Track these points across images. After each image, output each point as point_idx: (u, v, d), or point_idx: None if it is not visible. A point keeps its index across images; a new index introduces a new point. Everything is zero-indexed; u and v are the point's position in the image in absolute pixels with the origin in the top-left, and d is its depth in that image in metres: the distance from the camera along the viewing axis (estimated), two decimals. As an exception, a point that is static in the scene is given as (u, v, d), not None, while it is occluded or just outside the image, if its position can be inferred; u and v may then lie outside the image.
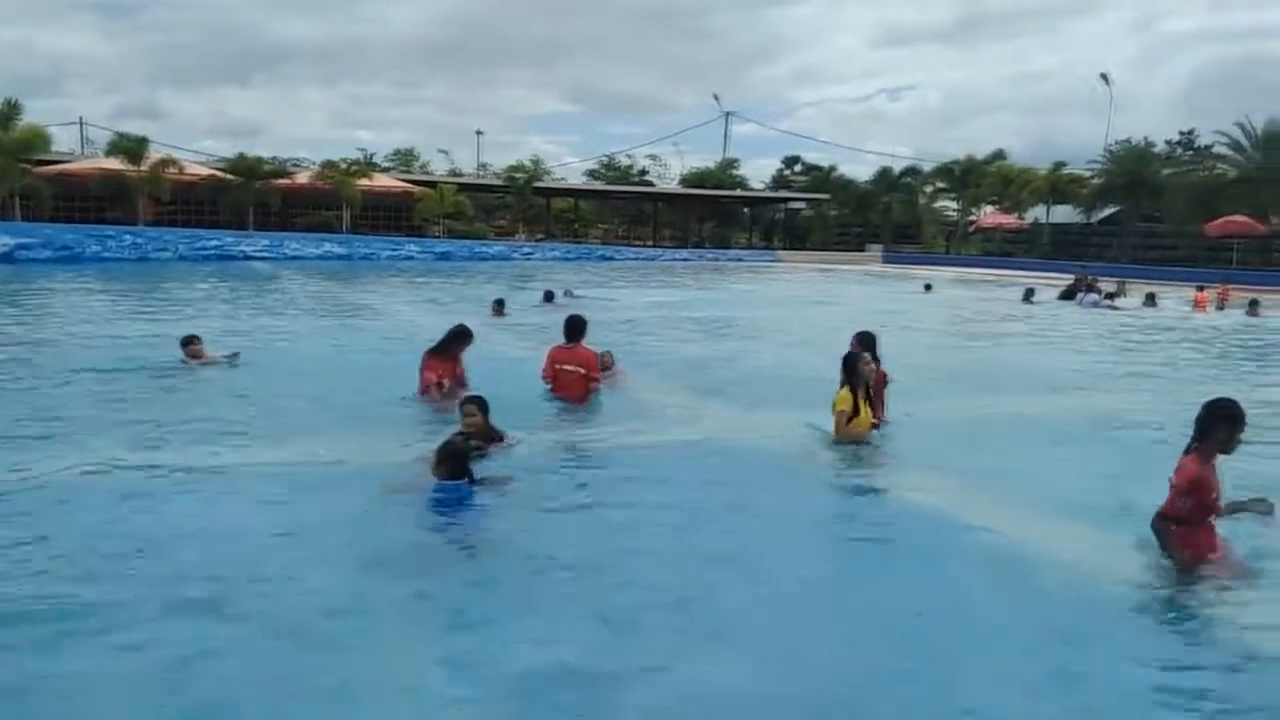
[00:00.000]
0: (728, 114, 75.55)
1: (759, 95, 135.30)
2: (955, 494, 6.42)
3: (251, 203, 43.71)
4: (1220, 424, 4.84)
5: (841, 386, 7.61)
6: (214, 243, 36.34)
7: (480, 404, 7.07)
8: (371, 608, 4.38)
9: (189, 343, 10.53)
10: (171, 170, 41.06)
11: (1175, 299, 26.52)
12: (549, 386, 9.24)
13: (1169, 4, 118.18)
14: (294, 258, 36.69)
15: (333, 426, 7.95)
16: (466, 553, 5.21)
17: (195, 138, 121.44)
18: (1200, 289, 26.04)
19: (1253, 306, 22.99)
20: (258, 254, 36.44)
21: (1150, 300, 24.85)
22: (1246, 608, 4.60)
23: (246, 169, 43.99)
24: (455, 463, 5.75)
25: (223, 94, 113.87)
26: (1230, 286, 27.91)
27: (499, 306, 17.48)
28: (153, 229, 37.59)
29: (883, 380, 8.14)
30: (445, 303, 21.35)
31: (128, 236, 34.39)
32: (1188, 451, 4.93)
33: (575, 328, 9.34)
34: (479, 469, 6.23)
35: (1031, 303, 25.03)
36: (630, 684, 3.78)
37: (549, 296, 20.32)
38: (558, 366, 9.21)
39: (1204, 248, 44.54)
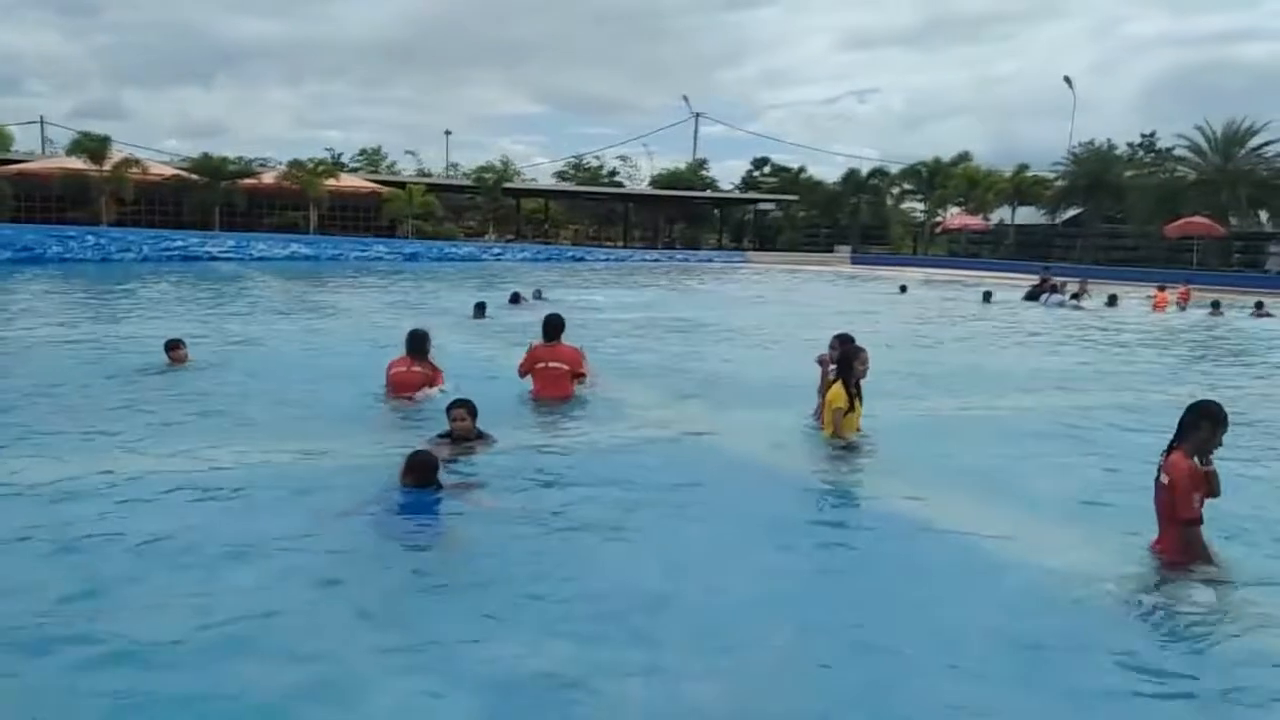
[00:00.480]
0: (697, 115, 75.77)
1: (727, 97, 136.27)
2: (924, 495, 6.46)
3: (217, 203, 43.22)
4: (1203, 423, 4.92)
5: (834, 382, 7.61)
6: (179, 243, 35.89)
7: (469, 407, 7.04)
8: (331, 617, 4.32)
9: (174, 347, 10.40)
10: (135, 170, 40.51)
11: (1137, 299, 26.96)
12: (530, 386, 9.24)
13: (1129, 9, 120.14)
14: (260, 258, 36.34)
15: (303, 429, 7.88)
16: (430, 560, 5.14)
17: (159, 137, 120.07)
18: (1160, 289, 26.53)
19: (1215, 307, 23.42)
20: (223, 255, 36.05)
21: (1111, 301, 25.23)
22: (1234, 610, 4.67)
23: (211, 169, 43.49)
24: (423, 473, 5.72)
25: (186, 93, 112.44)
26: (1190, 287, 28.46)
27: (480, 310, 17.45)
28: (116, 229, 37.06)
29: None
30: (415, 304, 21.27)
31: (90, 237, 33.88)
32: (1169, 451, 4.98)
33: (555, 326, 9.36)
34: (461, 469, 6.23)
35: (991, 304, 25.33)
36: (596, 692, 3.76)
37: (515, 298, 20.15)
38: (540, 365, 9.22)
39: (1165, 249, 45.30)
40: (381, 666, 3.88)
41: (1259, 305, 24.21)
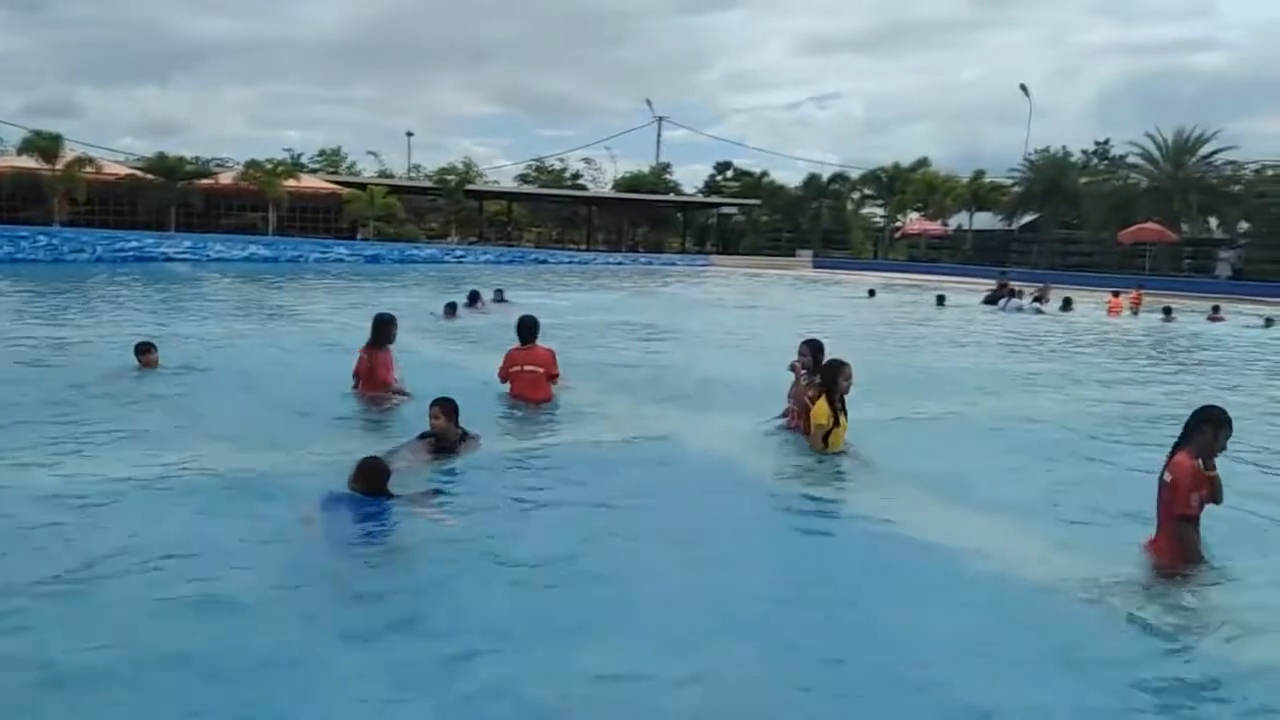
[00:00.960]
0: (660, 119, 76.02)
1: (690, 101, 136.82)
2: (893, 498, 6.53)
3: (173, 203, 42.47)
4: (1205, 426, 5.07)
5: (818, 397, 7.43)
6: (133, 244, 35.19)
7: (447, 407, 6.95)
8: (280, 625, 4.25)
9: (144, 350, 10.18)
10: (88, 169, 39.70)
11: (1093, 304, 27.45)
12: (507, 388, 9.20)
13: (1083, 18, 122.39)
14: (218, 260, 35.78)
15: (273, 432, 7.76)
16: (379, 568, 5.00)
17: (114, 136, 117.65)
18: (1115, 295, 27.08)
19: (1167, 314, 23.94)
20: (179, 256, 35.43)
21: (1067, 305, 25.70)
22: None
23: (167, 168, 42.70)
24: (373, 479, 5.55)
25: (143, 92, 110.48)
26: (1143, 292, 29.10)
27: (450, 310, 17.29)
28: (69, 229, 36.26)
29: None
30: (378, 306, 21.03)
31: (42, 237, 33.11)
32: (1173, 452, 5.12)
33: (530, 328, 9.34)
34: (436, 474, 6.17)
35: (944, 308, 25.61)
36: (552, 702, 3.75)
37: (474, 298, 19.40)
38: (515, 368, 9.18)
39: (1118, 254, 46.28)
40: (331, 676, 3.83)
41: (1215, 309, 24.95)
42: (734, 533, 5.90)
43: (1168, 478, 5.05)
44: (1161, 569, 5.07)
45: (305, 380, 10.27)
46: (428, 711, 3.65)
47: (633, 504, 6.27)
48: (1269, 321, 23.08)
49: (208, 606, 4.37)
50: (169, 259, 34.69)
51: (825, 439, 7.34)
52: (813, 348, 8.17)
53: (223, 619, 4.28)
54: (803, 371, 8.10)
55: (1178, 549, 5.07)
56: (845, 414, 7.46)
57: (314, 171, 57.19)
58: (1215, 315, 24.36)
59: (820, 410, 7.36)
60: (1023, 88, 58.40)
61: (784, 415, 8.27)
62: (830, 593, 4.98)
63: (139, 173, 43.10)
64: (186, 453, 6.89)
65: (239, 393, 9.65)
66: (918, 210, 59.48)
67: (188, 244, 36.85)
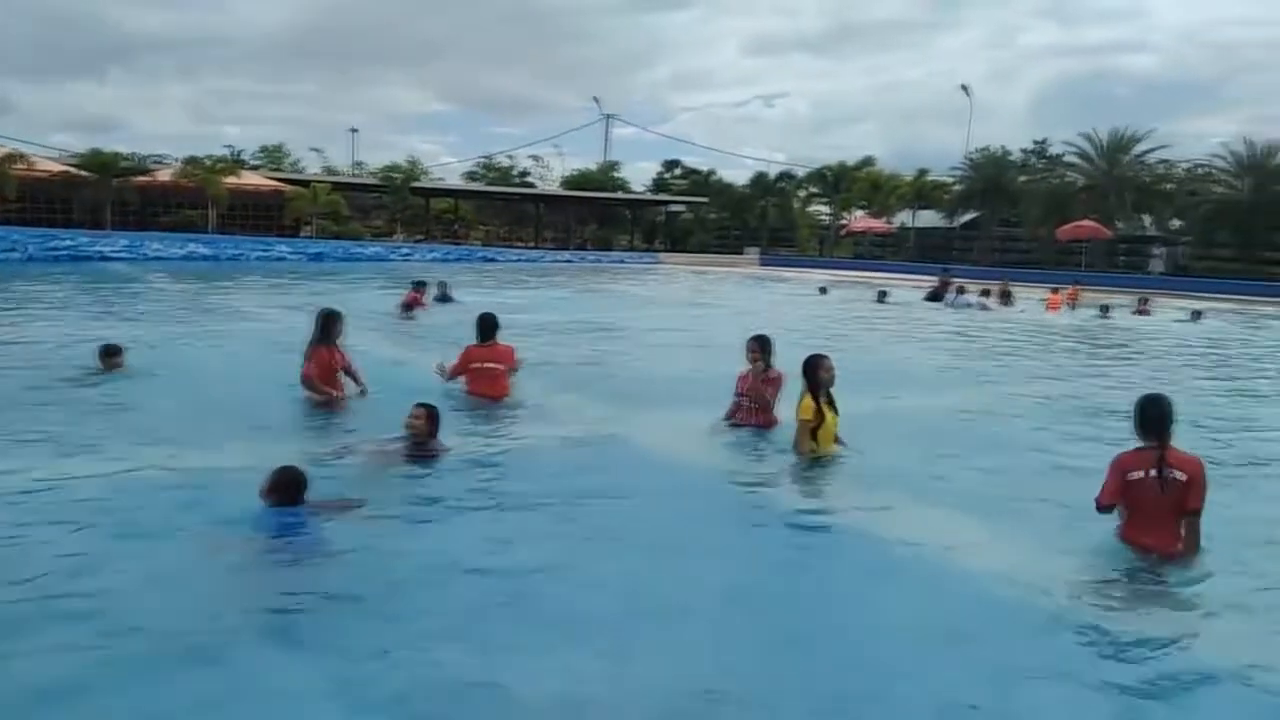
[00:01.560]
0: (608, 117, 75.97)
1: (638, 99, 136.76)
2: (848, 493, 6.62)
3: (109, 201, 41.38)
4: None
5: (803, 395, 7.20)
6: (67, 243, 34.29)
7: (431, 411, 6.90)
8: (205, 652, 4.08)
9: (110, 353, 9.91)
10: (19, 166, 38.50)
11: (1033, 299, 28.07)
12: (464, 386, 9.15)
13: (1022, 20, 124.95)
14: (156, 258, 34.99)
15: (199, 437, 7.54)
16: (307, 576, 4.86)
17: (46, 132, 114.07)
18: (1054, 290, 27.74)
19: (1104, 311, 24.52)
20: (116, 255, 34.59)
21: (1006, 299, 26.29)
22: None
23: (101, 165, 41.55)
24: (289, 492, 5.33)
25: (77, 86, 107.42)
26: (1079, 287, 29.81)
27: (408, 309, 17.19)
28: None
29: (778, 382, 8.12)
30: (324, 304, 20.72)
31: (-30, 236, 32.12)
32: (1161, 449, 5.20)
33: (490, 325, 9.32)
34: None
35: (885, 304, 25.83)
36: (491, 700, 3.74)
37: (420, 288, 19.16)
38: (475, 365, 9.14)
39: (1056, 251, 47.38)
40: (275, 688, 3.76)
41: (1142, 302, 25.72)
42: (686, 528, 5.92)
43: (1181, 476, 5.13)
44: (1177, 562, 5.15)
45: (255, 381, 10.13)
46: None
47: (590, 504, 6.26)
48: (1196, 315, 23.83)
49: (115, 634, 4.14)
50: (105, 258, 33.84)
51: (814, 435, 7.16)
52: (760, 342, 8.23)
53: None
54: (757, 363, 8.15)
55: (1192, 542, 5.20)
56: (834, 408, 7.27)
57: (256, 168, 56.17)
58: (1142, 308, 25.13)
59: (805, 406, 7.14)
60: (964, 88, 59.66)
61: (733, 412, 8.30)
62: (785, 588, 5.05)
63: (73, 169, 41.92)
64: (127, 460, 6.73)
65: (187, 396, 9.44)
66: (863, 208, 60.28)
67: (124, 242, 36.00)
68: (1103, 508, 5.30)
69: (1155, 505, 5.18)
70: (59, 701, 3.58)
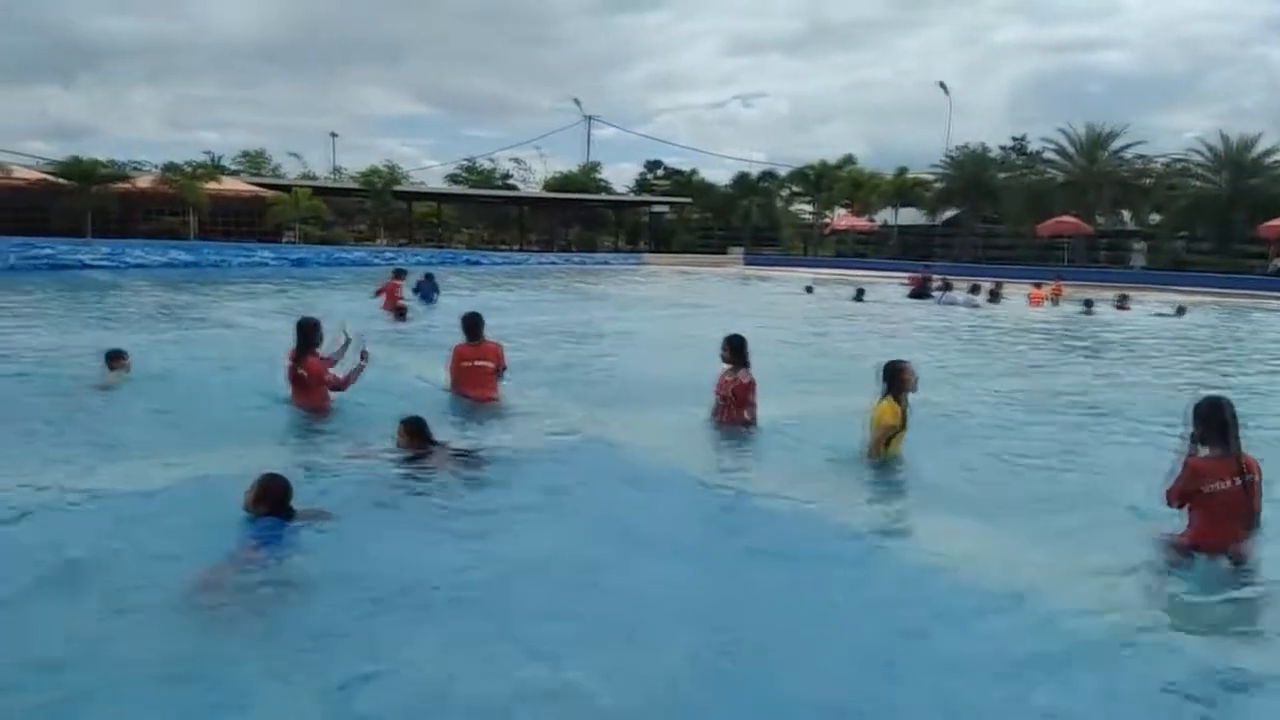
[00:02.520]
0: (589, 118, 75.89)
1: (617, 100, 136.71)
2: (832, 495, 6.61)
3: (88, 208, 41.00)
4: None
5: (883, 397, 7.00)
6: (47, 251, 33.92)
7: (410, 427, 6.90)
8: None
9: (116, 358, 9.82)
10: (-4, 175, 38.16)
11: (1015, 296, 28.22)
12: (454, 387, 9.13)
13: (994, 18, 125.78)
14: (137, 265, 34.72)
15: (184, 444, 7.48)
16: (294, 588, 4.80)
17: (18, 139, 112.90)
18: (1037, 286, 27.92)
19: (1088, 306, 24.61)
20: (97, 263, 34.28)
21: (994, 296, 26.45)
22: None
23: (81, 172, 41.15)
24: (276, 502, 5.26)
25: (47, 92, 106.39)
26: (1062, 283, 30.01)
27: (401, 313, 17.14)
28: (-24, 237, 34.79)
29: (750, 386, 8.15)
30: (308, 309, 20.60)
31: (-53, 245, 31.76)
32: (1236, 453, 5.18)
33: (476, 323, 9.28)
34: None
35: (863, 302, 25.86)
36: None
37: (400, 275, 19.35)
38: (465, 364, 9.09)
39: (1037, 247, 47.71)
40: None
41: (1122, 298, 25.81)
42: (677, 528, 5.95)
43: (1256, 478, 5.17)
44: (1246, 561, 5.17)
45: (240, 388, 10.02)
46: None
47: (577, 503, 6.32)
48: (1180, 310, 24.02)
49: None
50: (85, 266, 33.53)
51: (883, 443, 6.97)
52: (730, 343, 8.26)
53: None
54: (728, 366, 8.20)
55: (1255, 539, 5.23)
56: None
57: (235, 174, 55.80)
58: (1122, 304, 25.18)
59: (886, 409, 6.92)
60: (942, 85, 59.89)
61: (715, 411, 8.33)
62: (775, 591, 5.07)
63: (51, 177, 41.52)
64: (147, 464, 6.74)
65: (175, 402, 9.34)
66: (845, 206, 60.45)
67: (105, 250, 35.68)
68: (1172, 505, 5.30)
69: (1236, 511, 5.17)
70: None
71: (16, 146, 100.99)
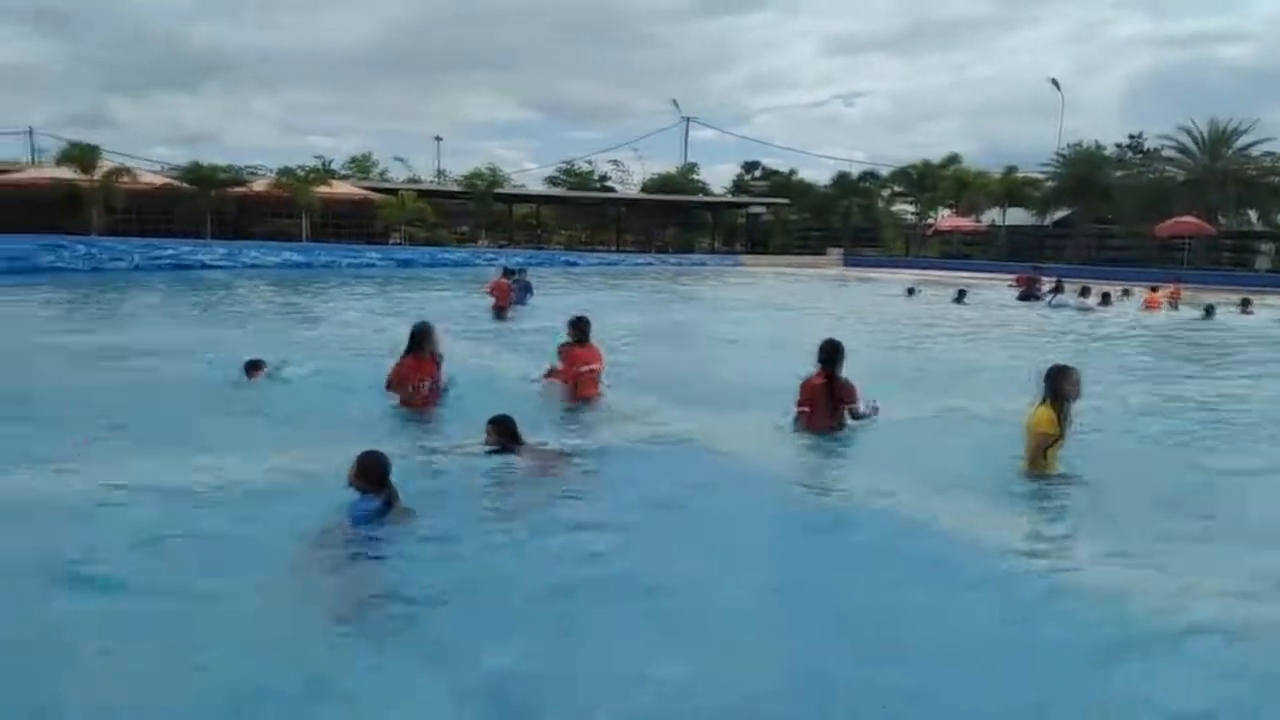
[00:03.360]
0: (687, 119, 75.85)
1: (716, 102, 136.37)
2: (924, 496, 6.48)
3: (208, 211, 43.02)
4: None
5: (1041, 404, 6.61)
6: (169, 252, 35.66)
7: (499, 426, 6.96)
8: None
9: (254, 368, 10.24)
10: (125, 179, 40.33)
11: (1133, 300, 27.04)
12: (565, 387, 9.28)
13: (1110, 13, 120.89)
14: (253, 266, 36.19)
15: (301, 440, 7.76)
16: (394, 574, 4.94)
17: (146, 146, 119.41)
18: (1153, 289, 26.65)
19: (1208, 312, 23.35)
20: (215, 263, 35.88)
21: (1105, 300, 25.38)
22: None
23: (202, 177, 43.29)
24: (378, 480, 5.42)
25: (174, 101, 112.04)
26: (1180, 286, 28.60)
27: (501, 312, 17.52)
28: (107, 239, 36.83)
29: (851, 393, 8.01)
30: (414, 310, 21.16)
31: (81, 246, 33.64)
32: None
33: (587, 326, 9.47)
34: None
35: (963, 304, 25.15)
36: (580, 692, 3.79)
37: (509, 274, 20.08)
38: (582, 368, 9.26)
39: (1155, 249, 45.57)
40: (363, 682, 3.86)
41: (1245, 303, 24.54)
42: (762, 532, 5.94)
43: None
44: None
45: (354, 388, 10.28)
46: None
47: (670, 506, 6.29)
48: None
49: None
50: (205, 266, 35.12)
51: (1042, 454, 6.57)
52: (824, 349, 8.10)
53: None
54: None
55: None
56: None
57: (345, 178, 57.71)
58: (1245, 309, 23.92)
59: (1043, 416, 6.54)
60: (1053, 82, 57.93)
61: (801, 415, 8.16)
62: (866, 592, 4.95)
63: (175, 181, 43.73)
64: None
65: (297, 402, 9.60)
66: (950, 207, 58.94)
67: (223, 251, 37.31)
68: None
69: None
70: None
71: (145, 152, 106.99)
